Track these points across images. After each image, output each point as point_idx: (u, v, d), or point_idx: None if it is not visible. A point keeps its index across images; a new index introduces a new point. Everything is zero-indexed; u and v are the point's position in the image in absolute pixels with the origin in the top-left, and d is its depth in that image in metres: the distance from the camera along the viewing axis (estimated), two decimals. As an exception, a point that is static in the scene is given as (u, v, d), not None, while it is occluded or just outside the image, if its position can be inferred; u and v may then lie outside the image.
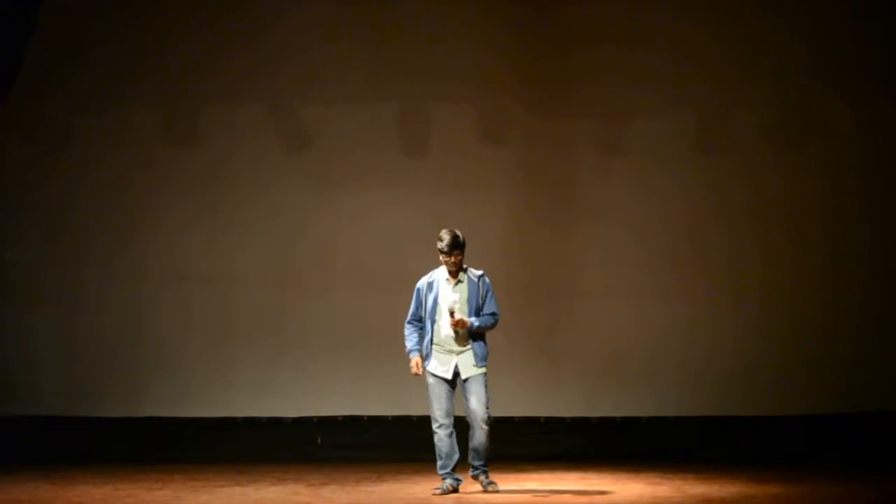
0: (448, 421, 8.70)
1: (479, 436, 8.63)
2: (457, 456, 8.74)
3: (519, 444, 10.71)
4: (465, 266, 8.76)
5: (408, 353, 8.81)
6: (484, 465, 8.75)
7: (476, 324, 8.66)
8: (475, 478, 8.79)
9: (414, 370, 8.77)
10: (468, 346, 8.69)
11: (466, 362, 8.68)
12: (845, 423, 10.97)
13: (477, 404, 8.61)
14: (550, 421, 11.24)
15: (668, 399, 11.15)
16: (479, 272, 8.80)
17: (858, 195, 11.22)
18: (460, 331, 8.65)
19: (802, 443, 10.94)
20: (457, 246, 8.66)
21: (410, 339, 8.81)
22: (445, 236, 8.67)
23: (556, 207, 11.37)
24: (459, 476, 8.79)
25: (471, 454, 8.74)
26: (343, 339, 11.29)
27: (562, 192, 11.38)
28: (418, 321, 8.81)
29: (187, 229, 11.42)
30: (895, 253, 11.16)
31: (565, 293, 11.30)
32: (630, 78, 11.31)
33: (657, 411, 11.17)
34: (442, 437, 8.69)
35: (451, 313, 8.61)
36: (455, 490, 8.74)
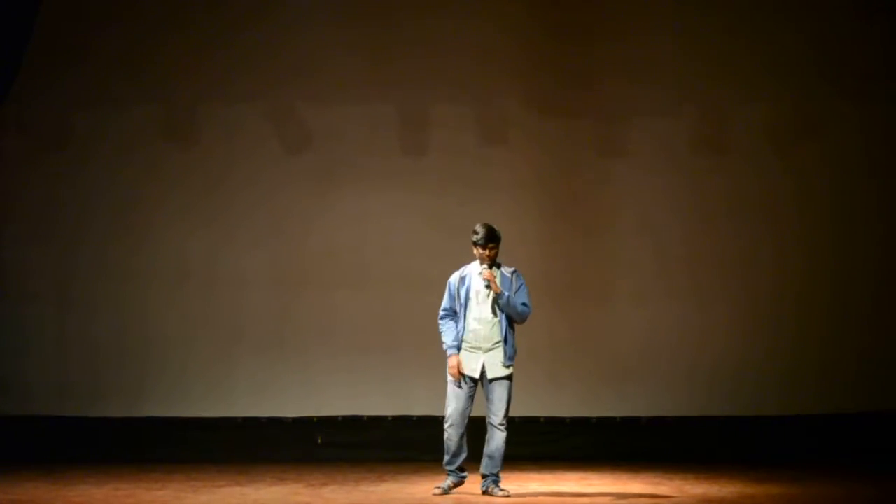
0: (461, 422, 8.60)
1: (497, 441, 8.57)
2: (464, 455, 8.66)
3: (519, 444, 10.68)
4: (499, 262, 8.67)
5: (445, 350, 8.61)
6: (496, 475, 8.63)
7: (506, 295, 8.49)
8: (485, 490, 8.63)
9: (452, 370, 8.57)
10: (497, 345, 8.58)
11: (494, 361, 8.57)
12: (846, 423, 10.97)
13: (499, 407, 8.55)
14: (550, 421, 11.23)
15: (669, 399, 11.15)
16: (512, 268, 8.70)
17: (867, 194, 11.22)
18: (491, 290, 8.48)
19: (804, 443, 10.94)
20: (492, 238, 8.56)
21: (448, 335, 8.61)
22: (481, 229, 8.57)
23: (557, 207, 11.36)
24: (465, 472, 8.70)
25: (484, 462, 8.63)
26: (343, 339, 11.28)
27: (564, 192, 11.38)
28: (453, 314, 8.64)
29: (185, 227, 11.40)
30: (903, 251, 11.19)
31: (566, 293, 11.28)
32: (633, 76, 11.30)
33: (657, 411, 11.17)
34: (452, 435, 8.60)
35: (488, 279, 8.48)
36: (458, 485, 8.68)
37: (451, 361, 8.58)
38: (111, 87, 11.42)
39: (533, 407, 11.10)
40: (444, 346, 8.64)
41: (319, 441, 11.27)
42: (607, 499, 8.63)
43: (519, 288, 8.63)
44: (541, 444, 11.06)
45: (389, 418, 11.25)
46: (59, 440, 11.11)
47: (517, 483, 9.33)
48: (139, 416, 11.28)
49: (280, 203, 11.42)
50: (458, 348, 8.58)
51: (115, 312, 11.37)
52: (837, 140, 11.25)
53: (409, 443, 10.82)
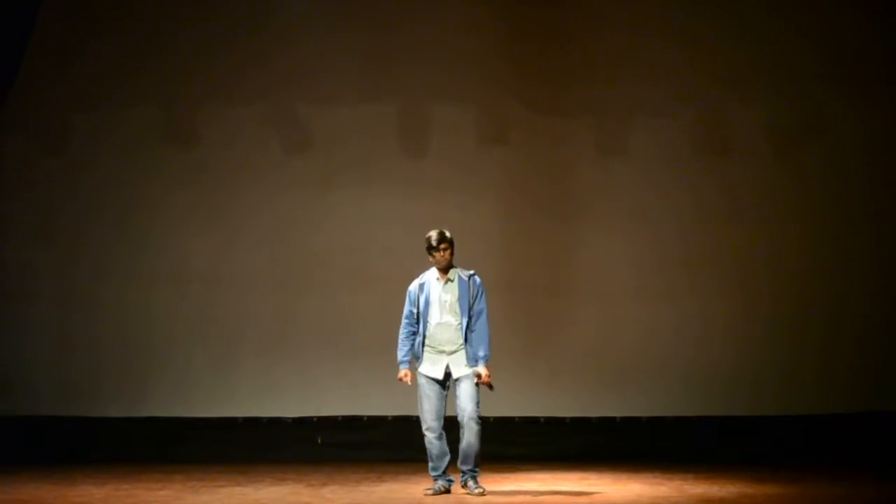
0: (438, 424, 8.67)
1: (469, 436, 8.57)
2: (448, 457, 8.72)
3: (519, 444, 10.71)
4: (454, 265, 8.73)
5: (398, 363, 8.79)
6: (472, 469, 8.66)
7: (488, 354, 8.63)
8: (464, 485, 8.68)
9: (401, 379, 8.76)
10: (460, 347, 8.66)
11: (458, 362, 8.65)
12: (846, 423, 10.98)
13: (467, 402, 8.57)
14: (550, 421, 11.24)
15: (668, 399, 11.15)
16: (470, 271, 8.76)
17: (865, 194, 11.23)
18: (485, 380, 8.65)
19: (803, 443, 10.94)
20: (444, 240, 8.63)
21: (402, 348, 8.78)
22: (432, 233, 8.66)
23: (556, 207, 11.38)
24: (451, 477, 8.77)
25: (460, 457, 8.66)
26: (343, 340, 11.29)
27: (563, 192, 11.39)
28: (412, 325, 8.76)
29: (186, 228, 11.42)
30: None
31: (566, 293, 11.30)
32: (632, 76, 11.32)
33: (657, 411, 11.18)
34: (431, 439, 8.67)
35: (478, 376, 8.60)
36: (447, 491, 8.72)
37: (400, 373, 8.77)
38: (113, 89, 11.43)
39: (533, 407, 11.13)
40: (398, 359, 8.80)
41: (320, 441, 11.27)
42: (607, 499, 8.64)
43: (478, 294, 8.68)
44: (541, 444, 11.07)
45: (389, 418, 11.26)
46: (60, 440, 11.12)
47: (517, 483, 9.33)
48: (140, 416, 11.29)
49: (281, 204, 11.43)
50: (409, 364, 8.75)
51: (116, 313, 11.39)
52: (837, 141, 11.26)
53: (409, 443, 10.78)
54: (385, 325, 11.00)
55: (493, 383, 8.64)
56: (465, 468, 8.68)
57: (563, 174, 11.40)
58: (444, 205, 11.14)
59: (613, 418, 11.24)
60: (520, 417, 11.02)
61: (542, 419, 11.24)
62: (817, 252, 11.21)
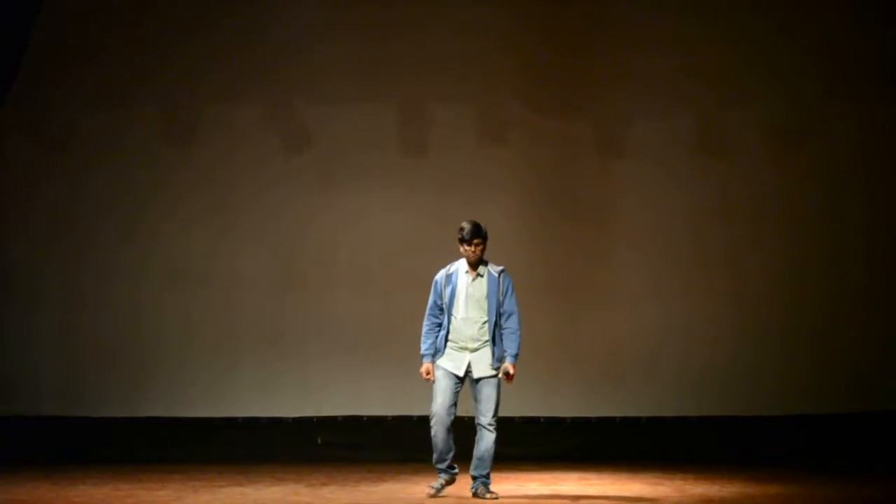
0: (447, 418, 8.42)
1: (486, 442, 8.39)
2: (453, 452, 8.52)
3: (519, 444, 10.71)
4: (485, 260, 8.54)
5: (421, 356, 8.56)
6: (486, 476, 8.47)
7: (518, 353, 8.44)
8: (475, 491, 8.47)
9: (423, 375, 8.57)
10: (484, 344, 8.44)
11: (481, 361, 8.43)
12: (845, 423, 10.98)
13: (487, 407, 8.39)
14: (550, 421, 11.25)
15: (668, 399, 11.16)
16: (500, 267, 8.53)
17: (858, 195, 11.25)
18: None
19: (802, 443, 10.95)
20: (478, 234, 8.38)
21: (426, 341, 8.52)
22: (466, 225, 8.39)
23: (556, 208, 11.39)
24: (455, 466, 8.59)
25: (474, 463, 8.48)
26: (343, 340, 11.30)
27: (562, 193, 11.40)
28: (437, 317, 8.51)
29: (188, 230, 11.43)
30: (895, 252, 11.18)
31: (565, 293, 11.30)
32: (630, 78, 11.33)
33: (657, 411, 11.18)
34: (438, 431, 8.42)
35: (507, 374, 8.41)
36: (451, 483, 8.59)
37: (422, 369, 8.56)
38: (115, 91, 11.43)
39: (533, 407, 11.13)
40: (421, 352, 8.56)
41: (319, 441, 11.28)
42: (607, 499, 8.64)
43: (507, 292, 8.47)
44: (541, 444, 11.08)
45: (389, 418, 11.27)
46: (59, 440, 11.12)
47: (517, 483, 9.33)
48: (139, 416, 11.29)
49: (281, 202, 11.43)
50: (434, 355, 8.51)
51: (118, 313, 11.39)
52: (831, 142, 11.26)
53: (409, 443, 10.81)
54: (386, 325, 11.06)
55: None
56: (477, 474, 8.48)
57: (563, 173, 11.40)
58: (444, 203, 11.15)
59: (613, 418, 11.25)
60: (520, 417, 11.01)
61: (541, 419, 11.24)
62: (816, 252, 11.21)
